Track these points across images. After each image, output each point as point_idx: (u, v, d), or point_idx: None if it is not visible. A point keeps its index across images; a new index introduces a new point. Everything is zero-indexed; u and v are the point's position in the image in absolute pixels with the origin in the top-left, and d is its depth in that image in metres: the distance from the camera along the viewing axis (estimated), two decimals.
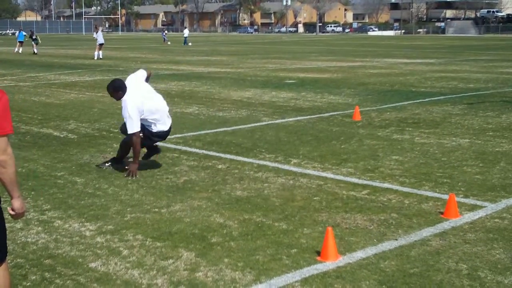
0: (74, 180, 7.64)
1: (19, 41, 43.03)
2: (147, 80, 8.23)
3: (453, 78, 21.67)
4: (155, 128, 7.96)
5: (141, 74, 8.21)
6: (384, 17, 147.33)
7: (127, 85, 7.82)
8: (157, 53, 42.35)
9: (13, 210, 3.52)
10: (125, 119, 7.73)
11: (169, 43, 62.08)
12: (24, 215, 3.63)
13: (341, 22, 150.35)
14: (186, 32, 61.90)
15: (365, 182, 7.51)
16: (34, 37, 42.18)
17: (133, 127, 7.62)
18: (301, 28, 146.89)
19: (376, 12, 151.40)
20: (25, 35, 44.27)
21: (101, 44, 34.73)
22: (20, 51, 41.69)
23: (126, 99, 7.68)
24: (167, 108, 8.17)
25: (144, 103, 7.69)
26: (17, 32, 43.87)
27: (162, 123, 8.00)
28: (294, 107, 14.29)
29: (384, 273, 4.75)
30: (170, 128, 8.17)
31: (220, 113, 13.36)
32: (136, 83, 7.91)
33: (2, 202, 3.59)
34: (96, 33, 35.70)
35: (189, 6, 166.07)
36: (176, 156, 8.98)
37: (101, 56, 34.22)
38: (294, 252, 5.19)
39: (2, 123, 3.30)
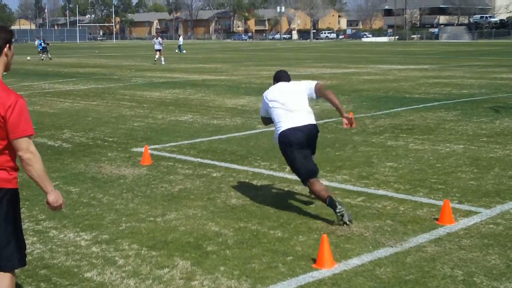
0: (69, 189, 7.63)
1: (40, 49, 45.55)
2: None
3: (447, 84, 21.74)
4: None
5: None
6: (377, 23, 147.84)
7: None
8: (152, 60, 42.35)
9: (48, 204, 3.79)
10: None
11: (176, 51, 61.73)
12: (61, 207, 3.87)
13: (335, 29, 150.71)
14: (180, 40, 63.04)
15: (360, 189, 7.52)
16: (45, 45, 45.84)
17: None
18: (295, 35, 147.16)
19: (370, 19, 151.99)
20: (41, 44, 46.27)
21: (157, 50, 38.73)
22: (45, 58, 44.77)
23: None
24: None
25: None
26: (36, 41, 46.89)
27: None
28: None
29: (379, 280, 4.76)
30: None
31: (215, 121, 13.37)
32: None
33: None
34: (156, 39, 40.22)
35: (183, 14, 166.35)
36: (171, 165, 8.97)
37: (162, 62, 37.46)
38: (290, 259, 5.19)
39: (23, 126, 3.59)
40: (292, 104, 6.58)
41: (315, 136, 6.66)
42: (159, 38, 40.06)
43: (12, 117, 3.56)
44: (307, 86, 6.76)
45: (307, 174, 6.39)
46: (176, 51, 60.36)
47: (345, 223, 5.99)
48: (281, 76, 7.09)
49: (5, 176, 3.68)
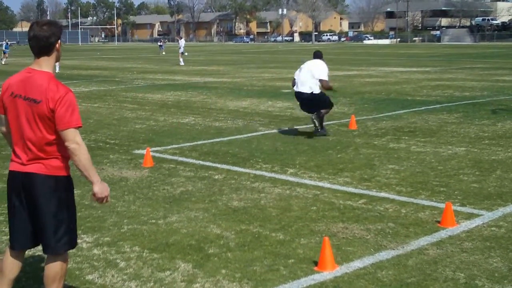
0: None
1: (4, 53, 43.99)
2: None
3: (449, 87, 21.74)
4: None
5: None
6: (379, 25, 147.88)
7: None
8: (153, 63, 42.43)
9: (94, 195, 3.94)
10: None
11: (177, 53, 62.02)
12: (108, 198, 4.00)
13: (337, 31, 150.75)
14: (182, 42, 63.66)
15: (361, 191, 7.51)
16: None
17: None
18: (297, 37, 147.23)
19: (372, 21, 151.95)
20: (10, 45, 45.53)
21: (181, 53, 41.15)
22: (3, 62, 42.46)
23: None
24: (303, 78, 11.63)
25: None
26: (3, 43, 45.29)
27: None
28: (291, 117, 14.32)
29: (381, 283, 4.75)
30: (300, 93, 11.50)
31: (217, 123, 13.38)
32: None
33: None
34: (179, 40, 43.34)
35: (185, 16, 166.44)
36: (173, 167, 8.97)
37: (181, 63, 39.06)
38: (291, 262, 5.19)
39: (69, 118, 3.78)
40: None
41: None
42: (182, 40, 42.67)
43: (60, 109, 3.77)
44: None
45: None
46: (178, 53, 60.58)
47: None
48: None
49: (57, 164, 3.90)
